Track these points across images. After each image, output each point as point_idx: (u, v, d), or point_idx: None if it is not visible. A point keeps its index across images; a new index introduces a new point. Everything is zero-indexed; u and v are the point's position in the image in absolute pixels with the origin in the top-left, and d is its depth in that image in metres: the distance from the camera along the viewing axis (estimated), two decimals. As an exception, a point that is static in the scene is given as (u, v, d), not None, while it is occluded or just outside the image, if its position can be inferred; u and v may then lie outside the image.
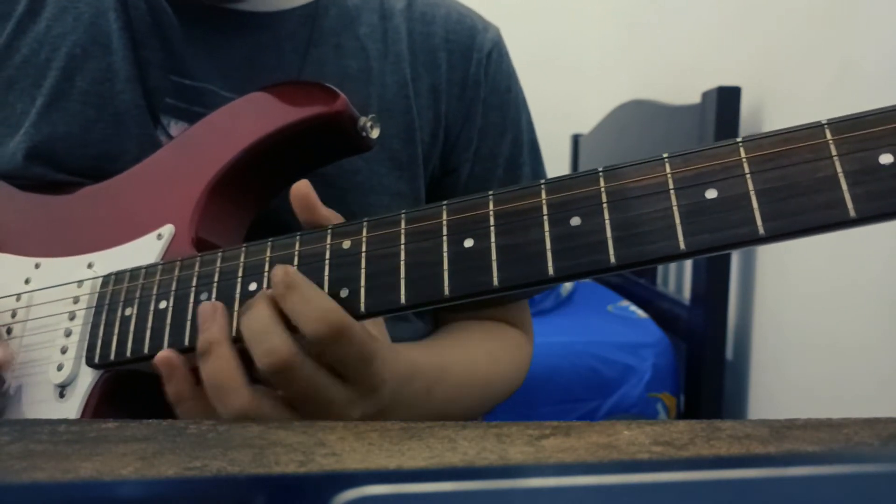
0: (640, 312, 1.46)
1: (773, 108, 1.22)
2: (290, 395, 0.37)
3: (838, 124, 0.29)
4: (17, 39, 0.54)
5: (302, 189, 0.39)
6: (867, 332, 0.97)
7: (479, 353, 0.58)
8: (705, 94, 1.23)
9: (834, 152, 0.29)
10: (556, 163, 2.18)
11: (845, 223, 0.28)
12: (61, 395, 0.44)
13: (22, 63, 0.53)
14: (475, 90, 0.60)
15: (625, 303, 1.54)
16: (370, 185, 0.54)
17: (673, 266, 1.56)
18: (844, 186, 0.28)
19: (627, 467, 0.26)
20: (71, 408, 0.43)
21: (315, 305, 0.35)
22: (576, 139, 2.19)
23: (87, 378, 0.43)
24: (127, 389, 0.45)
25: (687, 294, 1.34)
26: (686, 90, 1.41)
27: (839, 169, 0.28)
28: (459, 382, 0.52)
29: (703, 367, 1.24)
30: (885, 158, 0.28)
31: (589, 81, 2.18)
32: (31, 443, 0.31)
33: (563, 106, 2.07)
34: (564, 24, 2.21)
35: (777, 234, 0.29)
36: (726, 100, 1.19)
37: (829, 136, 0.29)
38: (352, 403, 0.37)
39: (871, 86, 0.96)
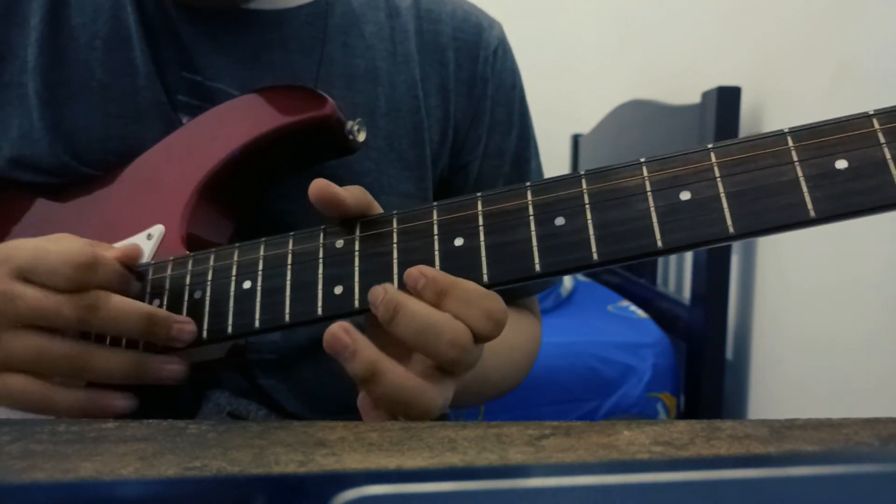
0: (640, 312, 1.46)
1: (772, 108, 1.22)
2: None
3: (799, 132, 0.32)
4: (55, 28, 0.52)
5: (322, 188, 0.37)
6: (867, 331, 0.97)
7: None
8: (705, 94, 1.23)
9: (795, 158, 0.31)
10: (557, 163, 2.18)
11: (806, 222, 0.31)
12: None
13: (42, 45, 0.52)
14: (483, 88, 0.60)
15: (625, 303, 1.54)
16: (379, 186, 0.54)
17: (673, 266, 1.56)
18: (805, 189, 0.31)
19: (627, 467, 0.26)
20: None
21: (480, 305, 0.34)
22: (576, 139, 2.19)
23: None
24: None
25: (687, 294, 1.34)
26: (686, 90, 1.41)
27: (800, 173, 0.31)
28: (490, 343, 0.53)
29: (703, 367, 1.24)
30: (841, 164, 0.31)
31: (589, 81, 2.18)
32: (31, 443, 0.31)
33: (563, 106, 2.08)
34: (564, 23, 2.21)
35: (745, 233, 0.32)
36: (726, 100, 1.19)
37: (790, 143, 0.32)
38: (450, 391, 0.37)
39: (870, 85, 0.96)
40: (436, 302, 0.35)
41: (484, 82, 0.60)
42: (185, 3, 0.52)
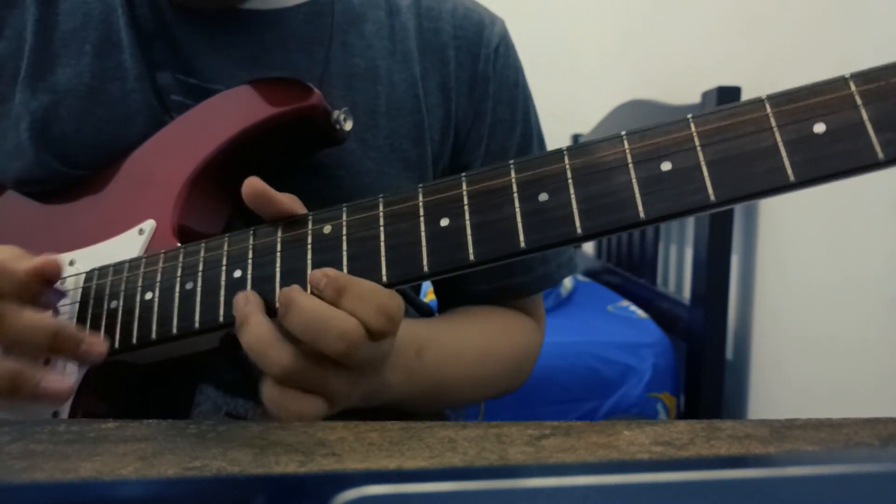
0: (640, 312, 1.46)
1: (773, 108, 1.22)
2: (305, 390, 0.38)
3: (777, 98, 0.32)
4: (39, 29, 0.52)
5: (256, 186, 0.40)
6: (867, 331, 0.97)
7: (472, 327, 0.58)
8: (705, 94, 1.23)
9: (773, 124, 0.31)
10: (556, 163, 2.17)
11: (786, 187, 0.31)
12: None
13: (31, 55, 0.52)
14: (484, 86, 0.59)
15: (625, 303, 1.54)
16: (379, 186, 0.54)
17: (673, 266, 1.56)
18: (784, 154, 0.31)
19: (627, 467, 0.26)
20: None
21: (373, 300, 0.36)
22: (576, 139, 2.19)
23: (75, 371, 0.44)
24: (116, 380, 0.45)
25: (687, 294, 1.34)
26: (686, 90, 1.41)
27: (779, 139, 0.31)
28: (450, 349, 0.53)
29: (703, 367, 1.24)
30: (819, 128, 0.31)
31: (589, 81, 2.18)
32: (31, 443, 0.31)
33: (563, 106, 2.07)
34: (564, 23, 2.21)
35: (726, 200, 0.32)
36: (726, 100, 1.19)
37: (769, 109, 0.32)
38: (354, 384, 0.39)
39: (871, 86, 0.96)
40: (335, 299, 0.36)
41: (485, 81, 0.59)
42: (182, 4, 0.52)
